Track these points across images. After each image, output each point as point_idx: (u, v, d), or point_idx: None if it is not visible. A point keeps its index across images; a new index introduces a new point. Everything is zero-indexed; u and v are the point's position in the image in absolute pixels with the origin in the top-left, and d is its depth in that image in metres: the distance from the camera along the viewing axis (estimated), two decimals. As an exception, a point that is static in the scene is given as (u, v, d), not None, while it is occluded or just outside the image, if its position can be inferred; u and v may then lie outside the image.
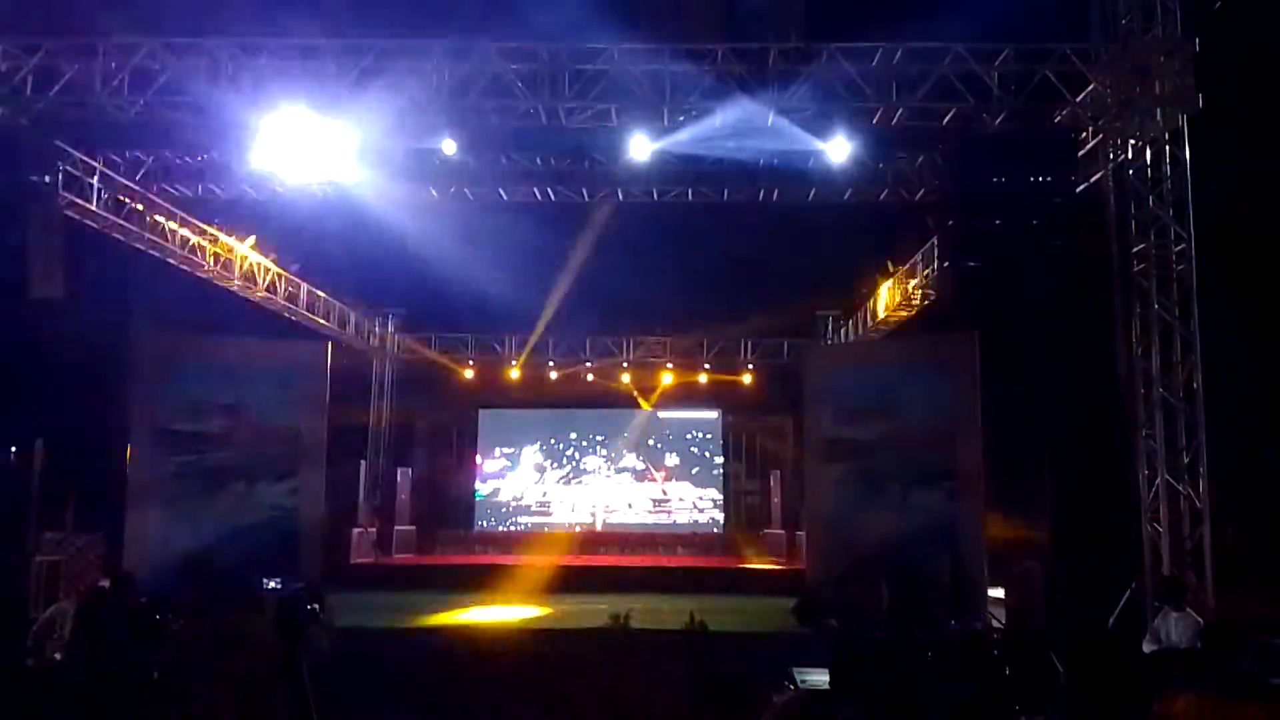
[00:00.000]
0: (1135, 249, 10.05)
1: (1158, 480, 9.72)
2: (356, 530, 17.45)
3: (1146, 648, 7.76)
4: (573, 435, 21.42)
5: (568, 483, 21.24)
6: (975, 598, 11.89)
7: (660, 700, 7.71)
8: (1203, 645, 6.32)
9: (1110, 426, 10.42)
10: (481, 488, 21.13)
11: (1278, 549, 10.13)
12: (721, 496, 20.99)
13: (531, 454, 21.38)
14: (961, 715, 2.96)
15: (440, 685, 9.58)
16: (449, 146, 10.93)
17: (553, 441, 21.40)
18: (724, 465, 21.21)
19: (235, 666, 7.54)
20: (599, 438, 21.40)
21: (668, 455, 21.15)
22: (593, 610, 10.89)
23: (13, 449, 11.21)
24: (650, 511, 20.88)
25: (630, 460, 21.20)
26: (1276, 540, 10.18)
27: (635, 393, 21.17)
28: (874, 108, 10.43)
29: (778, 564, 18.02)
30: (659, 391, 21.01)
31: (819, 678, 8.11)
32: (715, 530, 20.73)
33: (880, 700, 7.00)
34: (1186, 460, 9.66)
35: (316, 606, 5.94)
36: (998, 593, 12.71)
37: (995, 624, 11.48)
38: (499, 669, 10.04)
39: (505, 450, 21.40)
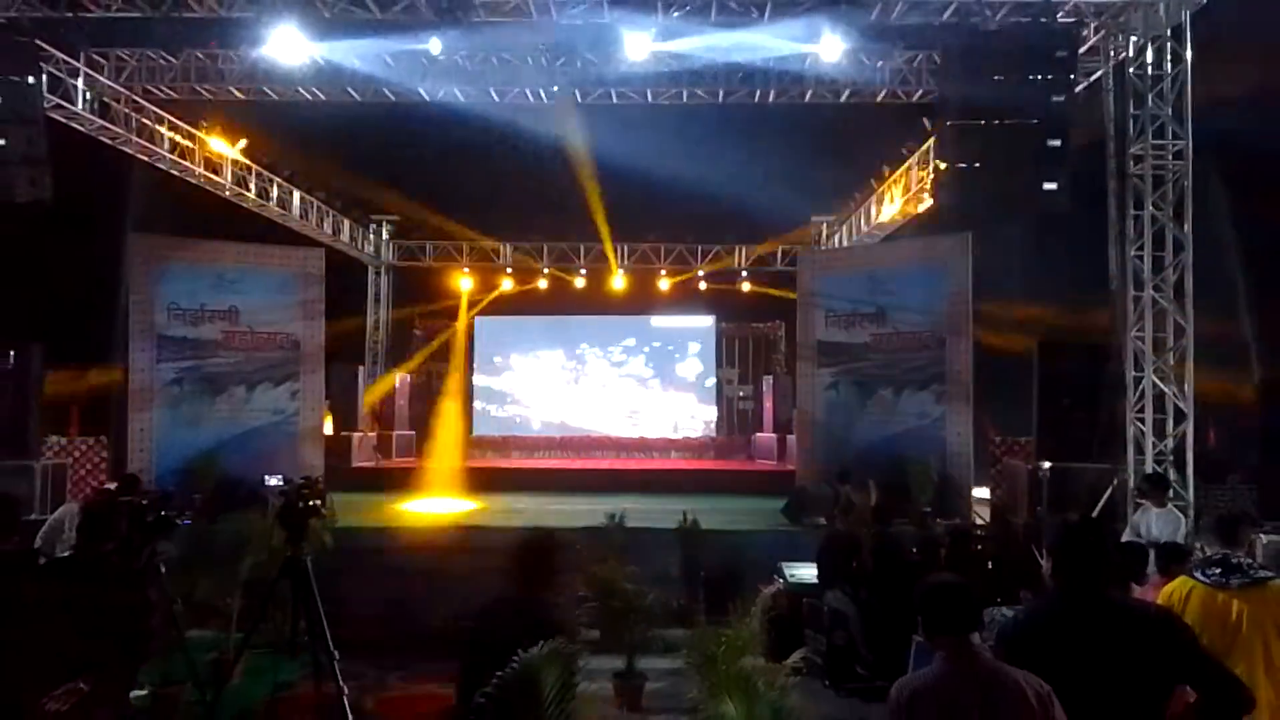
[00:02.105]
0: (1132, 149, 9.98)
1: (1144, 380, 9.87)
2: (356, 435, 17.67)
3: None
4: (569, 341, 21.50)
5: (564, 388, 21.41)
6: (961, 497, 12.16)
7: (655, 593, 7.99)
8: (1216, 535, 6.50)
9: (1100, 326, 10.52)
10: (479, 393, 21.32)
11: (1254, 448, 10.31)
12: (715, 401, 21.22)
13: (528, 360, 21.51)
14: (941, 595, 3.09)
15: (442, 579, 9.88)
16: (435, 45, 10.64)
17: (551, 348, 21.49)
18: (718, 371, 21.38)
19: (241, 564, 7.76)
20: (596, 344, 21.49)
21: (662, 361, 21.28)
22: (589, 510, 11.12)
23: (11, 354, 11.24)
24: (646, 416, 21.12)
25: (627, 365, 21.35)
26: (1253, 440, 10.36)
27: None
28: (873, 2, 10.18)
29: (769, 467, 18.33)
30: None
31: (806, 572, 8.40)
32: (708, 434, 21.03)
33: (864, 590, 7.27)
34: (1173, 361, 9.79)
35: (319, 503, 6.06)
36: (983, 492, 13.02)
37: (980, 522, 11.78)
38: (497, 564, 10.35)
39: (502, 356, 21.52)
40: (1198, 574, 4.15)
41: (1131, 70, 10.01)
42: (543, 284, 20.85)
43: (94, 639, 4.36)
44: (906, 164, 14.91)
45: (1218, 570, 4.08)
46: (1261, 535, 8.57)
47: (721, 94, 13.28)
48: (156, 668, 6.77)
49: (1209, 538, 4.40)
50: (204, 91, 13.22)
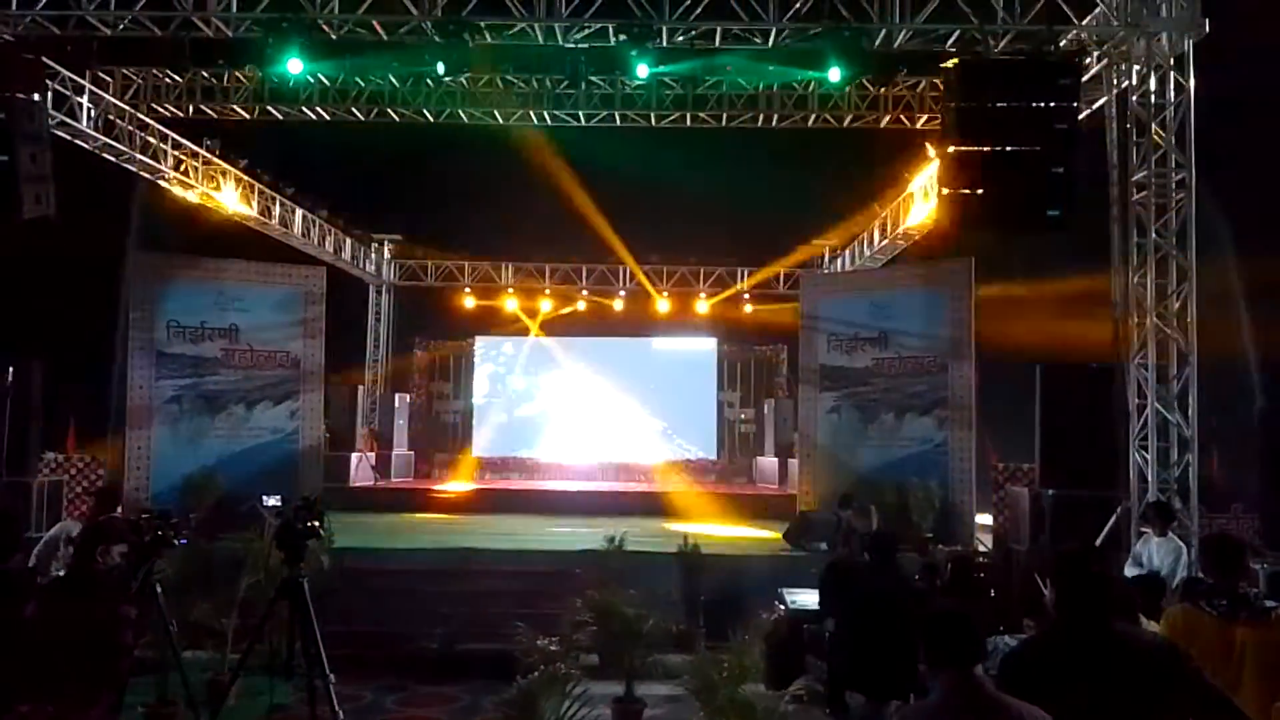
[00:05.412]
0: (1135, 177, 10.00)
1: (1148, 408, 9.83)
2: (355, 455, 17.62)
3: (1128, 571, 7.95)
4: (571, 363, 21.46)
5: (565, 410, 21.34)
6: (963, 523, 12.10)
7: (654, 617, 7.92)
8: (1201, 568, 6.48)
9: (1103, 354, 10.48)
10: (478, 414, 21.29)
11: (1258, 477, 10.27)
12: (716, 424, 21.16)
13: (527, 381, 21.47)
14: (944, 625, 3.05)
15: (441, 602, 9.83)
16: (440, 67, 10.70)
17: (552, 369, 21.45)
18: (719, 394, 21.34)
19: (238, 584, 7.71)
20: (598, 366, 21.43)
21: (664, 383, 21.23)
22: (589, 533, 11.08)
23: (10, 370, 11.24)
24: (646, 438, 21.04)
25: (628, 388, 21.28)
26: (1257, 468, 10.32)
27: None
28: (877, 29, 10.25)
29: (771, 491, 18.24)
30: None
31: (808, 598, 8.33)
32: (709, 458, 20.96)
33: (866, 616, 7.19)
34: (1177, 388, 9.75)
35: (317, 523, 6.02)
36: (985, 519, 12.95)
37: (982, 549, 11.72)
38: (497, 587, 10.28)
39: (502, 377, 21.49)
40: (1203, 605, 4.10)
41: (1134, 99, 10.05)
42: (545, 305, 20.87)
43: (72, 657, 4.32)
44: (909, 189, 14.96)
45: (1224, 602, 4.04)
46: (1264, 565, 8.52)
47: (725, 118, 13.37)
48: (152, 688, 6.72)
49: (1210, 566, 4.34)
50: (209, 110, 13.30)
